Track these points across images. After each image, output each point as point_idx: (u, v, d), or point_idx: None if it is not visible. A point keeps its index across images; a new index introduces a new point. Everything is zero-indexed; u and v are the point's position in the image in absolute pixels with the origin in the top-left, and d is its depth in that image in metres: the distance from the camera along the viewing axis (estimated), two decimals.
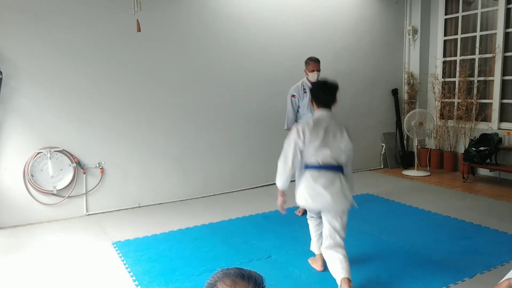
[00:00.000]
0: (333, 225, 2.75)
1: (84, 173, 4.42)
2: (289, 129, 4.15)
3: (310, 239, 3.80)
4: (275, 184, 6.02)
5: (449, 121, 6.35)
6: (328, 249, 2.76)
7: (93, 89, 4.41)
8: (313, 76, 4.28)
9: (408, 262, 3.15)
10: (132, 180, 4.70)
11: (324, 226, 2.81)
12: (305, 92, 4.28)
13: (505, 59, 5.76)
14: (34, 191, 4.20)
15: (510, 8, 5.65)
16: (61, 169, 4.29)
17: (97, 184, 4.50)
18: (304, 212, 4.39)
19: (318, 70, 4.27)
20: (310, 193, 2.71)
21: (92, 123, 4.43)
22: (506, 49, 5.73)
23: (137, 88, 4.66)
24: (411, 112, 6.20)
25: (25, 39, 4.05)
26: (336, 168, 2.71)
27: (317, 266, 3.06)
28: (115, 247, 3.54)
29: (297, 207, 4.43)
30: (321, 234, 2.94)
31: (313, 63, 4.27)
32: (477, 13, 6.05)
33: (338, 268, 2.66)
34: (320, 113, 2.83)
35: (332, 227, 2.75)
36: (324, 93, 2.83)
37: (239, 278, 0.98)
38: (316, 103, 2.87)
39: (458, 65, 6.28)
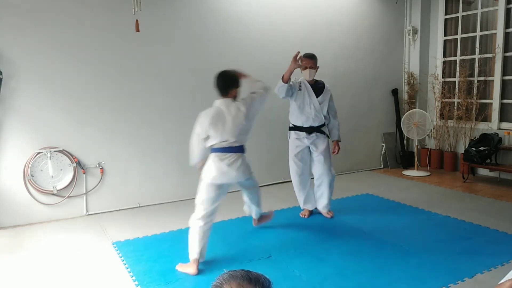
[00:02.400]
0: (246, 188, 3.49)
1: (84, 173, 4.42)
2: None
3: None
4: (275, 184, 6.02)
5: (449, 121, 6.35)
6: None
7: (93, 89, 4.41)
8: (305, 74, 3.91)
9: (408, 262, 3.15)
10: (132, 180, 4.70)
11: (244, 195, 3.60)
12: (300, 89, 3.92)
13: (505, 59, 5.76)
14: (34, 191, 4.21)
15: (510, 8, 5.65)
16: (61, 169, 4.29)
17: (97, 184, 4.50)
18: (310, 214, 4.34)
19: (312, 67, 3.87)
20: (217, 171, 3.14)
21: (92, 123, 4.43)
22: (506, 49, 5.73)
23: (137, 88, 4.66)
24: (409, 112, 6.20)
25: (25, 39, 4.05)
26: (238, 149, 3.18)
27: (191, 270, 3.01)
28: (115, 247, 3.54)
29: (300, 210, 4.41)
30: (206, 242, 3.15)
31: (305, 59, 3.79)
32: (477, 13, 6.05)
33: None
34: (219, 102, 3.19)
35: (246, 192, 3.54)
36: (222, 83, 3.19)
37: (246, 282, 0.95)
38: (218, 92, 3.21)
39: (458, 65, 6.28)
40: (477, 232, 3.77)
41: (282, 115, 5.57)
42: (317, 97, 3.98)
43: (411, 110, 6.25)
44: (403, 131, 6.27)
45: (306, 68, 3.87)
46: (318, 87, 4.03)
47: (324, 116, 4.04)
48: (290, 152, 4.13)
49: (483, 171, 5.94)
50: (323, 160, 4.06)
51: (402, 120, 6.22)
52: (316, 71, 3.97)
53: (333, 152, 4.19)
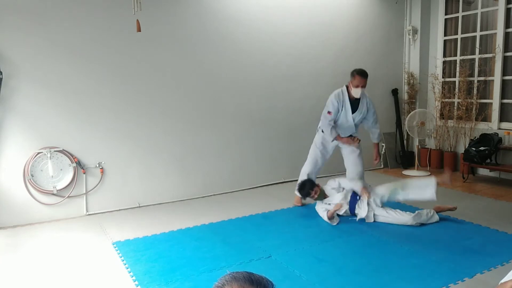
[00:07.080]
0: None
1: (84, 173, 4.42)
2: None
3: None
4: (275, 184, 6.03)
5: (449, 121, 6.35)
6: None
7: (93, 89, 4.41)
8: (356, 92, 4.04)
9: (408, 262, 3.15)
10: (132, 180, 4.70)
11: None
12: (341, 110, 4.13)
13: (505, 59, 5.76)
14: (34, 191, 4.20)
15: (510, 8, 5.65)
16: (61, 169, 4.29)
17: (97, 184, 4.50)
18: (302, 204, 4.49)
19: (363, 86, 3.95)
20: None
21: (92, 123, 4.43)
22: (506, 49, 5.73)
23: (137, 88, 4.66)
24: (412, 112, 6.20)
25: (25, 39, 4.04)
26: None
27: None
28: (115, 247, 3.54)
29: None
30: None
31: (359, 78, 3.90)
32: (477, 13, 6.05)
33: None
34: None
35: None
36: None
37: (248, 284, 0.94)
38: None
39: (458, 65, 6.28)
40: (477, 232, 3.77)
41: (282, 115, 5.59)
42: (353, 112, 4.17)
43: (413, 111, 6.23)
44: (404, 131, 6.26)
45: (358, 86, 3.98)
46: (355, 102, 4.19)
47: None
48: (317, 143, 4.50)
49: (483, 171, 5.94)
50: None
51: (407, 118, 6.21)
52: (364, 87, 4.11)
53: (375, 159, 4.62)
